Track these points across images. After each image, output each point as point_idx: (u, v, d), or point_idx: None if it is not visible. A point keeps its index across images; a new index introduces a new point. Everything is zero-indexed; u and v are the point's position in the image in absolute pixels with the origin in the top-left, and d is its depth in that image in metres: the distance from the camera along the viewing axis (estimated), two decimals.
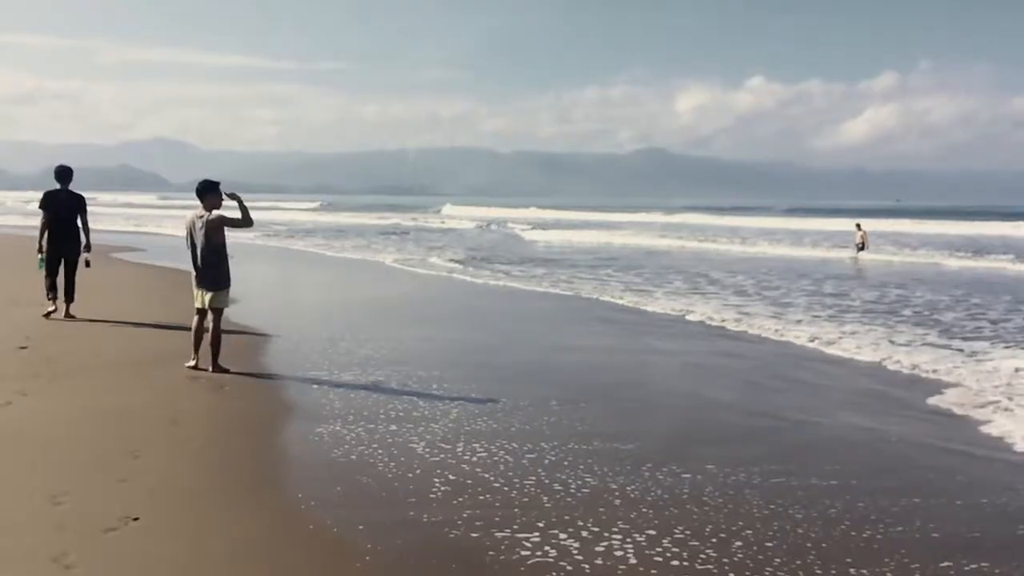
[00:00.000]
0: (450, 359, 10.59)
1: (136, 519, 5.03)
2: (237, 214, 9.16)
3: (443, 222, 66.67)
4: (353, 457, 6.43)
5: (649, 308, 15.69)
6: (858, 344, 11.87)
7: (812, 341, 12.17)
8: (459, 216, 78.81)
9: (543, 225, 58.37)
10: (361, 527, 5.08)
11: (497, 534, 5.01)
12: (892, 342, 12.06)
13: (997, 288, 20.80)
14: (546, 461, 6.47)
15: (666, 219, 74.83)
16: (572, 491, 5.82)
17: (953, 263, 29.13)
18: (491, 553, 4.75)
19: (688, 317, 14.55)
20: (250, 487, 5.79)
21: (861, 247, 31.74)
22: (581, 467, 6.34)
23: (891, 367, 10.55)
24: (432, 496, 5.63)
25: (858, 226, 33.20)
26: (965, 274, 25.21)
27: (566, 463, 6.44)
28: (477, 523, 5.17)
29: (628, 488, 5.91)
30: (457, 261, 26.45)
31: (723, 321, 14.03)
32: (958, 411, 8.41)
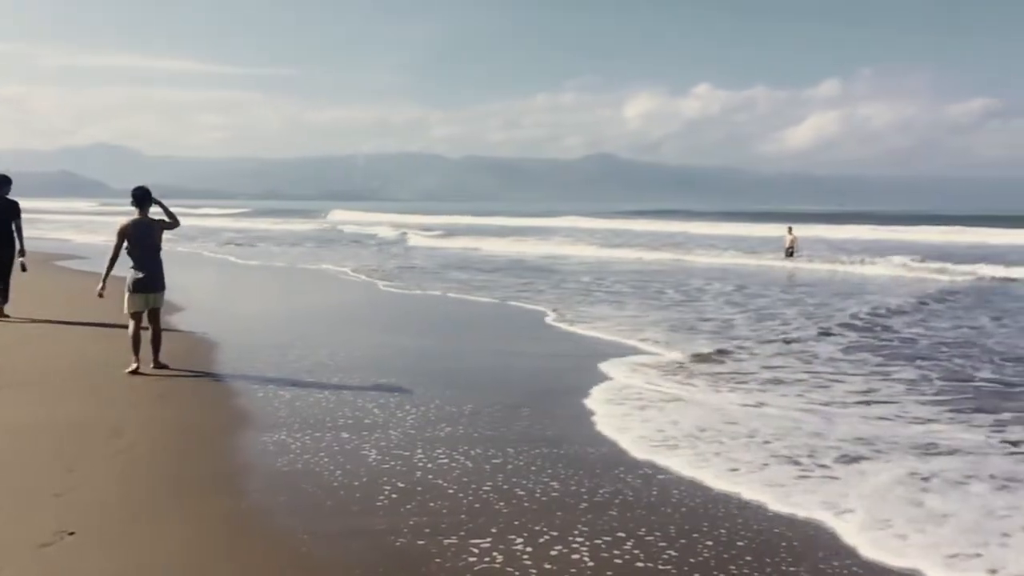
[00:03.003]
0: (403, 365, 10.49)
1: (72, 533, 4.91)
2: (164, 218, 9.61)
3: (325, 226, 65.97)
4: (299, 466, 6.35)
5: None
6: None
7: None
8: (346, 221, 76.93)
9: (453, 231, 53.98)
10: (305, 536, 5.02)
11: (445, 541, 4.99)
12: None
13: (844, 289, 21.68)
14: (509, 467, 6.45)
15: (593, 224, 73.67)
16: (535, 496, 5.83)
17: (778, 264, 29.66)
18: (437, 560, 4.72)
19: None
20: (192, 498, 5.68)
21: (790, 252, 31.84)
22: (547, 471, 6.35)
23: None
24: (379, 504, 5.59)
25: (789, 230, 33.63)
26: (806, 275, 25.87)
27: (529, 468, 6.43)
28: (425, 530, 5.14)
29: (588, 491, 5.93)
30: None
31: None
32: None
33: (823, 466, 6.51)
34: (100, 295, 9.56)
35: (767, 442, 7.15)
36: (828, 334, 13.35)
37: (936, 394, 9.18)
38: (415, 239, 45.57)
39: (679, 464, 6.57)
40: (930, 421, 7.95)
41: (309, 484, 5.96)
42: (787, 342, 12.47)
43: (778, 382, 9.63)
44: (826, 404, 8.61)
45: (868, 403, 8.67)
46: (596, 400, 8.70)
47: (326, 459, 6.50)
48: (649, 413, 8.16)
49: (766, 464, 6.54)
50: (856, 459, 6.67)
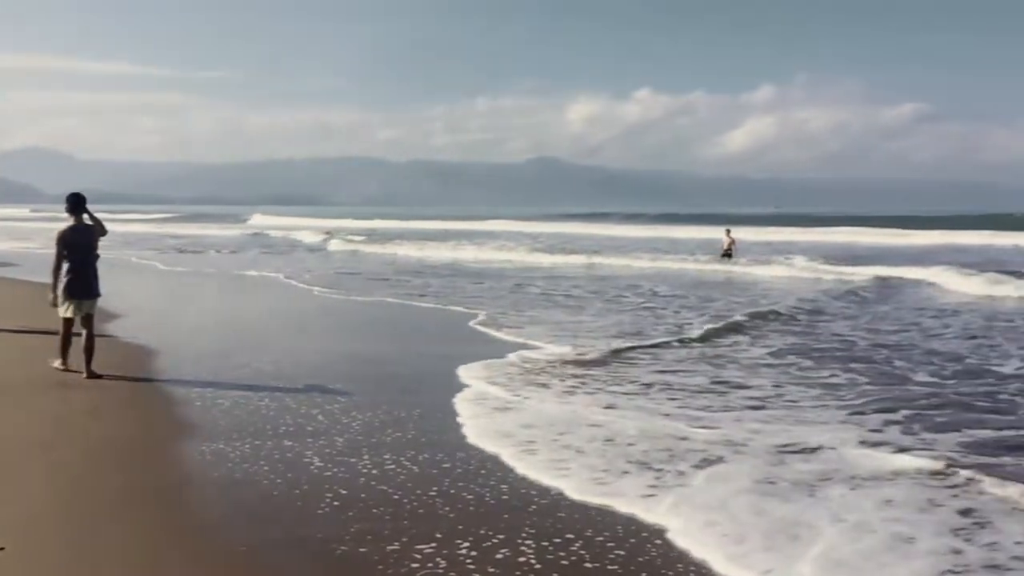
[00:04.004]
0: (347, 371, 10.37)
1: (2, 548, 4.77)
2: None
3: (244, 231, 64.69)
4: (238, 476, 6.25)
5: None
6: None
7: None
8: (270, 226, 75.03)
9: (383, 236, 52.18)
10: (243, 548, 4.95)
11: (387, 547, 4.96)
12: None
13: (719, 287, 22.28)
14: (458, 470, 6.44)
15: (533, 228, 72.55)
16: (484, 499, 5.83)
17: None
18: (379, 567, 4.69)
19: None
20: (128, 512, 5.56)
21: (728, 254, 31.89)
22: (495, 475, 6.35)
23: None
24: (320, 512, 5.53)
25: (727, 232, 33.89)
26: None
27: (478, 472, 6.42)
28: (367, 537, 5.10)
29: (542, 493, 5.95)
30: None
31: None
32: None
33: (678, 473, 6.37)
34: (54, 305, 9.42)
35: (629, 443, 7.16)
36: (734, 332, 13.43)
37: (831, 396, 9.13)
38: (337, 244, 44.51)
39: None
40: (805, 423, 7.87)
41: (249, 494, 5.88)
42: (682, 342, 12.52)
43: (659, 386, 9.52)
44: (680, 407, 8.50)
45: (734, 408, 8.53)
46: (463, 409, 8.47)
47: (267, 468, 6.41)
48: (506, 415, 8.11)
49: (626, 471, 6.41)
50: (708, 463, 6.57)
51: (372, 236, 51.72)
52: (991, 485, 5.94)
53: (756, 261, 30.18)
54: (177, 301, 19.31)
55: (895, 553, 4.84)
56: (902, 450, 6.96)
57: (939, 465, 6.41)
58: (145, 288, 21.76)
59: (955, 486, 6.01)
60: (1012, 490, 5.84)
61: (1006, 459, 6.77)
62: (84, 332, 9.41)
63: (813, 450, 6.90)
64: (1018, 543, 5.01)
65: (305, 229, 61.88)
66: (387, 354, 11.78)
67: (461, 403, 8.58)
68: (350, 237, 49.19)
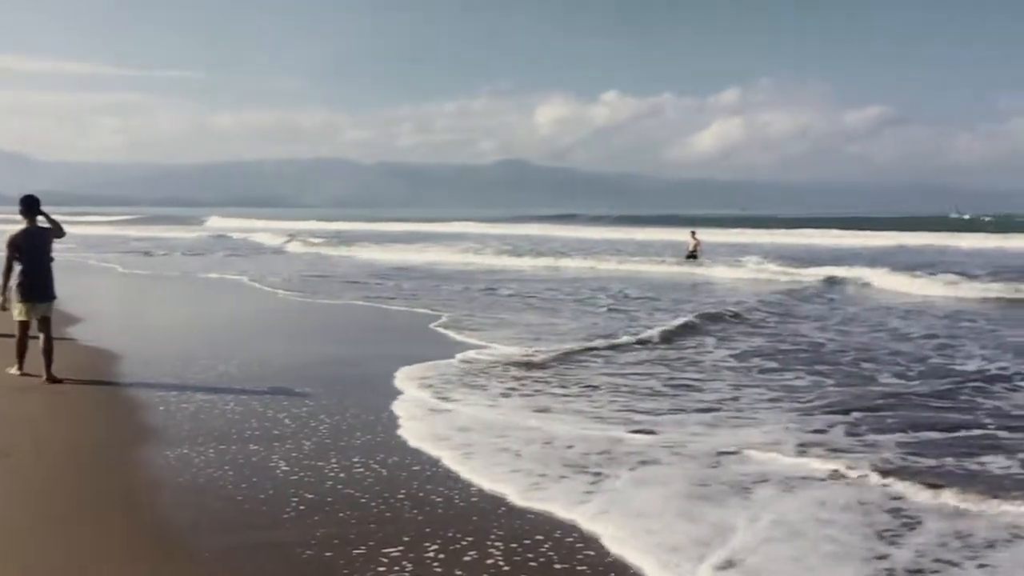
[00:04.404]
0: (315, 374, 10.20)
1: None
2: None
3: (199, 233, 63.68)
4: (202, 481, 6.18)
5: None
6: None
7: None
8: (232, 228, 73.16)
9: (347, 239, 50.15)
10: (207, 553, 4.89)
11: (354, 551, 4.92)
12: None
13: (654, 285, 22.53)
14: (427, 473, 6.41)
15: (502, 230, 71.63)
16: (453, 502, 5.81)
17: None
18: (345, 571, 4.65)
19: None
20: (90, 518, 5.46)
21: (693, 255, 31.98)
22: (463, 476, 6.31)
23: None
24: (286, 516, 5.48)
25: (692, 234, 33.95)
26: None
27: (447, 474, 6.39)
28: (333, 541, 5.06)
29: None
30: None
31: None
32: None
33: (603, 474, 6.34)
34: (4, 308, 9.28)
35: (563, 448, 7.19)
36: (695, 334, 13.46)
37: (786, 397, 9.13)
38: (297, 247, 43.72)
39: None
40: (751, 425, 7.83)
41: (213, 499, 5.81)
42: (642, 343, 12.49)
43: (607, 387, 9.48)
44: (622, 410, 8.43)
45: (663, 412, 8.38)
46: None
47: (232, 473, 6.34)
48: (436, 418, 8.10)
49: (564, 476, 6.34)
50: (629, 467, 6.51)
51: (336, 238, 50.95)
52: (917, 491, 5.90)
53: (719, 262, 30.26)
54: (139, 304, 19.09)
55: (823, 558, 4.82)
56: (842, 452, 6.93)
57: (865, 469, 6.39)
58: (106, 291, 21.47)
59: (882, 487, 6.02)
60: (925, 494, 5.85)
61: (948, 460, 6.78)
62: (41, 336, 9.28)
63: (747, 453, 6.85)
64: (941, 545, 5.01)
65: (265, 231, 60.92)
66: (345, 356, 11.67)
67: (399, 406, 8.50)
68: (311, 239, 48.41)
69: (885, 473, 6.30)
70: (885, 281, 23.21)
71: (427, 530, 5.26)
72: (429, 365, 10.52)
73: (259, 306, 18.21)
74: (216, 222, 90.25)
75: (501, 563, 4.81)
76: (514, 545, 5.06)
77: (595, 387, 9.52)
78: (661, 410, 8.48)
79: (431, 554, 4.90)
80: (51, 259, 9.44)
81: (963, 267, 28.62)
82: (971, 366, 11.03)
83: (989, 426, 7.91)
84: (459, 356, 11.23)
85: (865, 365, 11.09)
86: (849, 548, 4.97)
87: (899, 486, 6.02)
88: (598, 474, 6.36)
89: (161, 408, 8.32)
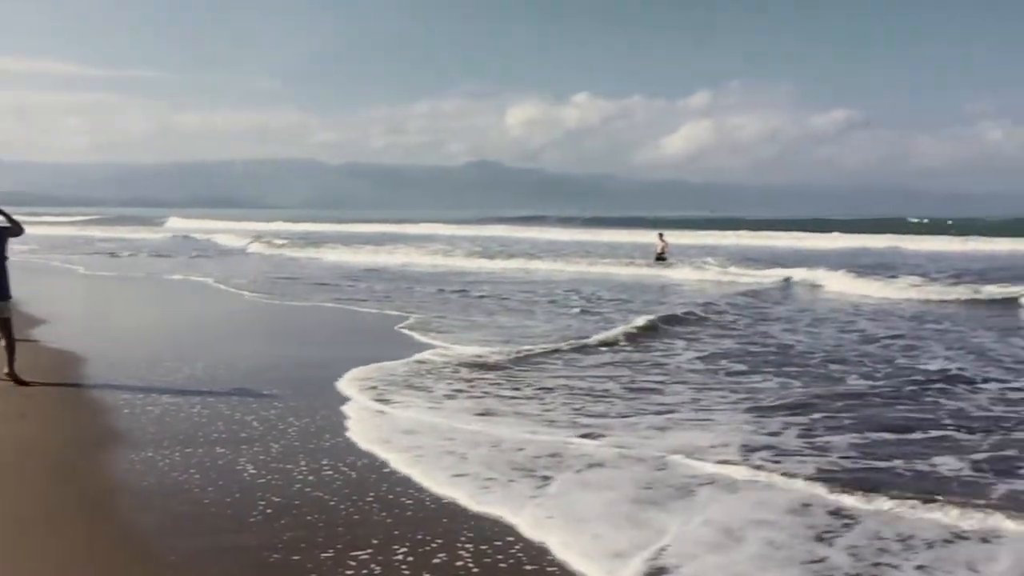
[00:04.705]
0: (283, 377, 10.10)
1: None
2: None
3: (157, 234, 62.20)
4: (168, 484, 6.12)
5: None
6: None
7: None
8: (180, 229, 72.58)
9: (314, 240, 48.77)
10: (173, 557, 4.85)
11: (321, 555, 4.90)
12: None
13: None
14: (395, 476, 6.38)
15: (472, 232, 70.34)
16: (423, 503, 5.80)
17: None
18: (313, 575, 4.64)
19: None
20: (55, 521, 5.40)
21: (661, 257, 32.07)
22: (435, 479, 6.28)
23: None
24: (253, 520, 5.45)
25: (660, 236, 34.18)
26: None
27: (419, 476, 6.36)
28: (300, 545, 5.04)
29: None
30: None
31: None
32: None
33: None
34: None
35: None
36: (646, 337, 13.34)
37: (744, 398, 9.14)
38: (259, 248, 42.99)
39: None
40: (700, 428, 7.79)
41: (178, 502, 5.76)
42: (607, 345, 12.48)
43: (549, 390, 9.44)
44: (570, 413, 8.33)
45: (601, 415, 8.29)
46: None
47: (198, 476, 6.28)
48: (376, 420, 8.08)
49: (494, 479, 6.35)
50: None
51: (303, 239, 49.99)
52: (857, 494, 5.91)
53: (685, 264, 30.43)
54: (103, 306, 18.85)
55: (759, 561, 4.83)
56: (790, 455, 6.93)
57: (810, 471, 6.44)
58: (69, 293, 21.17)
59: (823, 491, 6.01)
60: (863, 497, 5.85)
61: (898, 461, 6.81)
62: (2, 337, 9.14)
63: (693, 457, 6.79)
64: (881, 549, 5.01)
65: (228, 232, 59.77)
66: (309, 358, 11.55)
67: (347, 408, 8.43)
68: (276, 241, 47.67)
69: (829, 476, 6.32)
70: (839, 283, 23.34)
71: (395, 532, 5.25)
72: (376, 367, 10.39)
73: (225, 308, 18.05)
74: (176, 223, 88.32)
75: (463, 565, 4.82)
76: (461, 550, 5.04)
77: (549, 390, 9.43)
78: (612, 413, 8.38)
79: (400, 556, 4.89)
80: (6, 258, 9.26)
81: (923, 269, 29.13)
82: (934, 366, 11.15)
83: (948, 427, 8.00)
84: (415, 357, 11.16)
85: (832, 367, 11.19)
86: (785, 552, 4.97)
87: (839, 490, 6.00)
88: (530, 479, 6.27)
89: (126, 411, 8.22)
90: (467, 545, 5.10)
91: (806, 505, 5.75)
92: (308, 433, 7.55)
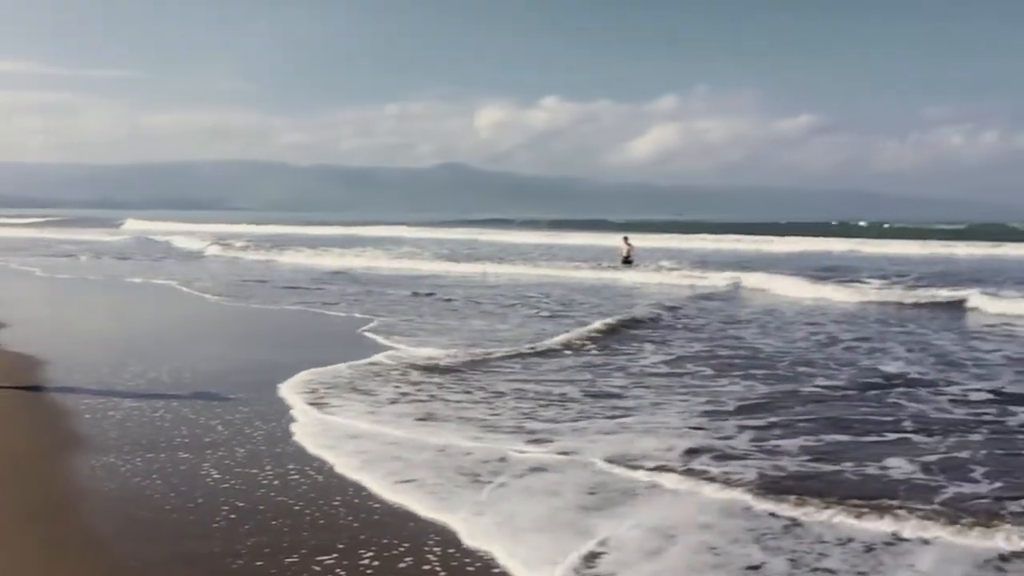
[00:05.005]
0: (251, 380, 9.97)
1: None
2: None
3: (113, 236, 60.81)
4: (129, 490, 6.04)
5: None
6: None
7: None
8: (137, 231, 71.75)
9: (277, 243, 47.98)
10: (134, 563, 4.80)
11: (286, 560, 4.87)
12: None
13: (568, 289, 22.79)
14: (363, 479, 6.33)
15: (438, 234, 69.81)
16: (391, 507, 5.77)
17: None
18: None
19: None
20: (14, 527, 5.32)
21: (628, 260, 32.31)
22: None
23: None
24: (216, 526, 5.40)
25: (625, 239, 34.39)
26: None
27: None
28: (264, 550, 5.00)
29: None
30: None
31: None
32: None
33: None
34: None
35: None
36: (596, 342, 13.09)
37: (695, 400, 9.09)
38: (223, 250, 42.04)
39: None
40: (649, 433, 7.69)
41: (140, 508, 5.68)
42: (573, 348, 12.43)
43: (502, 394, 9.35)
44: (518, 418, 8.22)
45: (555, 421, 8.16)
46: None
47: (160, 482, 6.21)
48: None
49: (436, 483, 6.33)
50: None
51: (268, 242, 49.36)
52: (794, 500, 5.84)
53: (649, 267, 30.47)
54: (64, 309, 18.56)
55: (696, 570, 4.82)
56: (738, 459, 6.87)
57: (752, 476, 6.39)
58: (28, 296, 20.79)
59: (762, 497, 5.96)
60: (790, 504, 5.81)
61: (848, 464, 6.80)
62: None
63: (634, 463, 6.70)
64: (820, 554, 5.00)
65: (190, 234, 58.99)
66: (273, 361, 11.26)
67: (292, 412, 8.34)
68: (234, 243, 46.77)
69: (770, 482, 6.26)
70: (786, 286, 23.34)
71: (362, 537, 5.22)
72: (322, 371, 10.26)
73: (189, 311, 17.85)
74: (134, 225, 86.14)
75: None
76: (376, 551, 5.01)
77: (500, 394, 9.30)
78: (564, 418, 8.25)
79: (366, 561, 4.87)
80: None
81: (881, 272, 29.72)
82: (892, 368, 11.28)
83: (907, 428, 8.03)
84: (368, 359, 11.06)
85: (798, 369, 11.26)
86: (721, 558, 4.93)
87: (776, 496, 5.93)
88: (475, 485, 6.19)
89: (87, 416, 8.11)
90: (393, 551, 5.02)
91: (747, 509, 5.72)
92: (263, 438, 7.47)
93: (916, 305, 19.41)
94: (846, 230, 76.60)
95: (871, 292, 21.54)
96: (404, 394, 9.20)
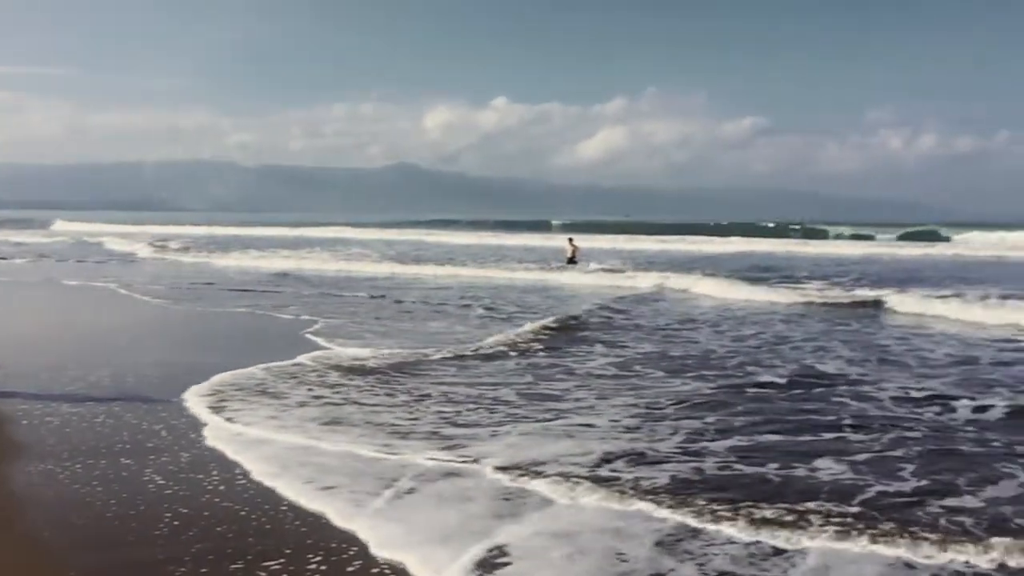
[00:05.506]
0: (196, 382, 9.63)
1: None
2: None
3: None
4: (68, 497, 5.90)
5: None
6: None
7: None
8: (69, 232, 69.20)
9: (215, 245, 47.21)
10: (73, 573, 4.69)
11: (231, 566, 4.80)
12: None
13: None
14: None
15: (388, 236, 68.50)
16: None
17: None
18: None
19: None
20: None
21: (572, 260, 32.61)
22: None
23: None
24: (158, 533, 5.29)
25: (570, 240, 34.70)
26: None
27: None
28: (208, 557, 4.92)
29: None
30: None
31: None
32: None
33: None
34: None
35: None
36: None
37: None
38: (148, 252, 40.83)
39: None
40: (569, 438, 7.53)
41: (80, 517, 5.55)
42: (519, 350, 12.25)
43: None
44: (436, 422, 8.05)
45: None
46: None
47: (100, 489, 6.07)
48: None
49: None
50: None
51: (213, 243, 48.31)
52: (702, 509, 5.72)
53: (589, 268, 30.51)
54: (3, 311, 18.01)
55: None
56: (658, 463, 6.76)
57: (664, 482, 6.28)
58: None
59: (671, 504, 5.84)
60: (688, 512, 5.70)
61: (772, 466, 6.72)
62: None
63: (546, 469, 6.54)
64: (734, 559, 4.97)
65: (121, 236, 57.24)
66: (215, 363, 10.83)
67: (202, 416, 8.18)
68: (167, 244, 45.70)
69: (679, 488, 6.15)
70: (710, 287, 23.19)
71: (311, 542, 5.16)
72: (237, 373, 10.07)
73: (129, 315, 17.45)
74: (64, 226, 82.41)
75: None
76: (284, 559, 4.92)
77: (425, 397, 9.08)
78: (484, 422, 8.01)
79: (313, 566, 4.82)
80: None
81: (808, 272, 30.34)
82: (831, 368, 11.30)
83: (845, 427, 8.01)
84: (289, 361, 10.86)
85: (681, 370, 11.24)
86: (628, 567, 4.86)
87: (676, 504, 5.79)
88: (374, 492, 6.03)
89: (24, 422, 7.90)
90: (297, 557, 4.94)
91: (647, 519, 5.55)
92: (175, 442, 7.32)
93: (832, 305, 19.51)
94: (784, 231, 78.33)
95: (788, 292, 21.52)
96: (317, 397, 8.97)
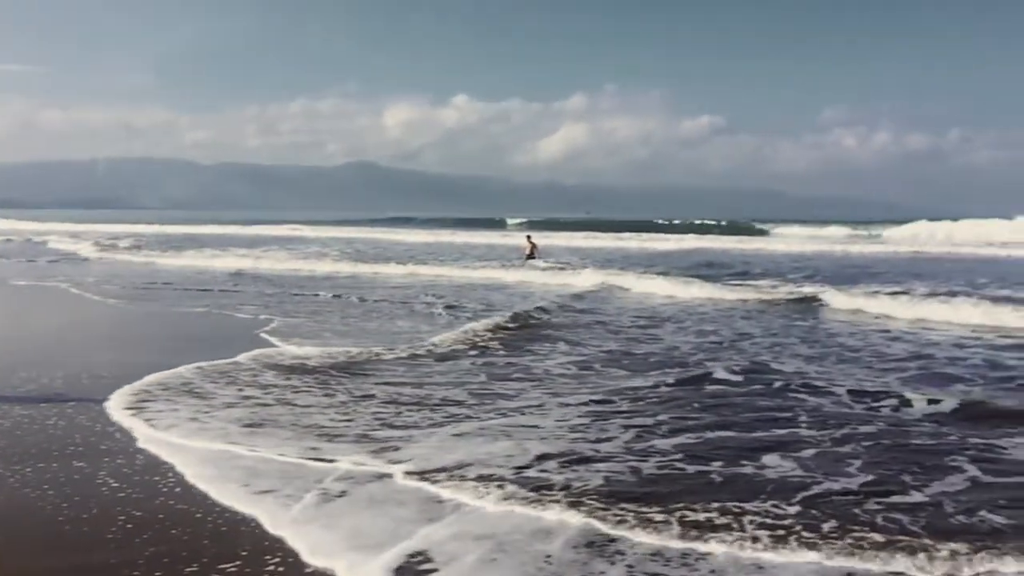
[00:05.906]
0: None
1: None
2: None
3: None
4: (18, 501, 5.79)
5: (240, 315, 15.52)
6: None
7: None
8: (9, 231, 65.83)
9: (164, 243, 46.24)
10: None
11: (186, 569, 4.75)
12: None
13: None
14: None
15: (348, 234, 67.01)
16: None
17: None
18: None
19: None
20: None
21: (532, 257, 33.18)
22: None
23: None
24: (110, 537, 5.21)
25: (528, 238, 35.13)
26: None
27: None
28: (163, 560, 4.86)
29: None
30: None
31: None
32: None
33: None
34: None
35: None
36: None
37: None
38: (93, 251, 39.37)
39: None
40: (511, 439, 7.33)
41: (30, 521, 5.46)
42: (479, 349, 12.16)
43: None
44: (370, 423, 7.83)
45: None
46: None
47: (52, 492, 5.96)
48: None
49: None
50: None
51: (165, 242, 47.08)
52: (636, 513, 5.57)
53: (542, 267, 30.47)
54: None
55: None
56: (596, 462, 6.63)
57: (598, 483, 6.11)
58: None
59: (602, 506, 5.72)
60: (617, 519, 5.52)
61: (717, 464, 6.62)
62: None
63: (462, 475, 6.33)
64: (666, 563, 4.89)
65: (65, 235, 55.64)
66: (159, 363, 10.54)
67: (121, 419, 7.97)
68: (115, 243, 44.54)
69: (613, 490, 6.00)
70: (650, 285, 23.03)
71: (278, 542, 5.12)
72: (167, 373, 9.86)
73: (84, 315, 17.10)
74: (7, 224, 78.88)
75: None
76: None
77: (366, 397, 8.87)
78: (423, 424, 7.81)
79: (271, 568, 4.79)
80: None
81: (761, 269, 30.59)
82: (790, 367, 11.17)
83: (802, 424, 7.95)
84: (225, 360, 10.63)
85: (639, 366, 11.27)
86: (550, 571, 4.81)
87: (606, 508, 5.65)
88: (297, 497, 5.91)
89: None
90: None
91: (562, 526, 5.42)
92: (110, 444, 7.20)
93: (768, 302, 19.59)
94: (737, 228, 79.82)
95: (729, 289, 21.67)
96: (246, 398, 8.72)
